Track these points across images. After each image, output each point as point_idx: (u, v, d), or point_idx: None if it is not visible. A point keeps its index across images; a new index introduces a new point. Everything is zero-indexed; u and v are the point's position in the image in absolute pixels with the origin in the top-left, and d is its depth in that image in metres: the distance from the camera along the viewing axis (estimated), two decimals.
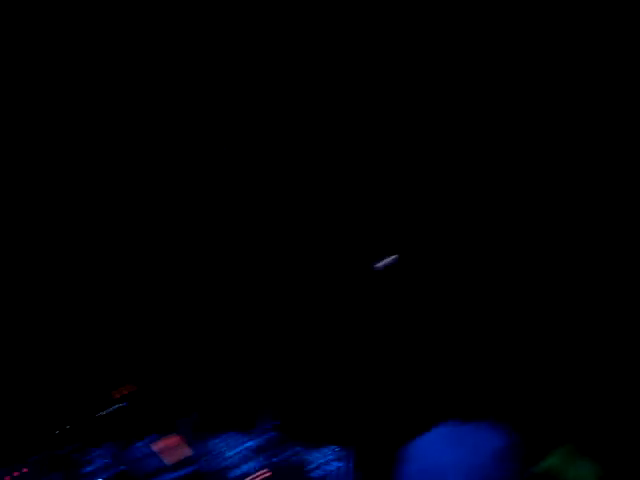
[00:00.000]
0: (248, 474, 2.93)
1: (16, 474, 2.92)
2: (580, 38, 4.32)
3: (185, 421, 3.53)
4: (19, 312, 4.39)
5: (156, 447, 3.22)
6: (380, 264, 4.07)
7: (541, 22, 4.39)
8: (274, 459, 3.16)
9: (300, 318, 4.21)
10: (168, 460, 3.00)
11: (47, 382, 4.15)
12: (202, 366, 4.31)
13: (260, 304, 4.44)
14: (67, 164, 5.03)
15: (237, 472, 2.96)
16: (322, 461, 3.22)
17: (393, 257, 3.82)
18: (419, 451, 1.99)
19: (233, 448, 3.22)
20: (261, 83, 4.96)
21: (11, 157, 5.11)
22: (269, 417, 3.62)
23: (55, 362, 4.68)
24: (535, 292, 4.15)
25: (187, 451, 3.06)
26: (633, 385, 2.82)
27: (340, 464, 3.15)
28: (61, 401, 4.03)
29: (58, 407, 3.98)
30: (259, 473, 2.98)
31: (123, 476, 2.89)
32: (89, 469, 3.04)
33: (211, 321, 4.64)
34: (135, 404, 3.95)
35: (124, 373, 4.22)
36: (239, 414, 3.67)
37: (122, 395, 3.99)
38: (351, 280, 4.29)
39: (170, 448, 3.17)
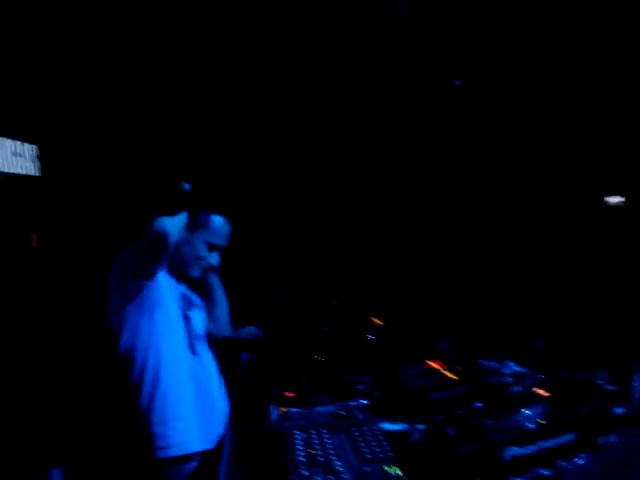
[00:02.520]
0: (526, 393, 2.73)
1: (290, 395, 2.93)
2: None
3: (446, 346, 3.44)
4: None
5: (421, 369, 3.14)
6: None
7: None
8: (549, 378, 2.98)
9: None
10: (436, 379, 2.87)
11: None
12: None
13: None
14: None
15: (514, 390, 2.76)
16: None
17: None
18: None
19: (505, 369, 3.08)
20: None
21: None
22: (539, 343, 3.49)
23: None
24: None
25: (456, 373, 2.92)
26: None
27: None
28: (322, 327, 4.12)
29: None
30: (539, 391, 2.77)
31: (395, 396, 2.80)
32: (359, 388, 2.99)
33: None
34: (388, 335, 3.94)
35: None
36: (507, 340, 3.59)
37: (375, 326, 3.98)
38: None
39: (438, 370, 3.07)
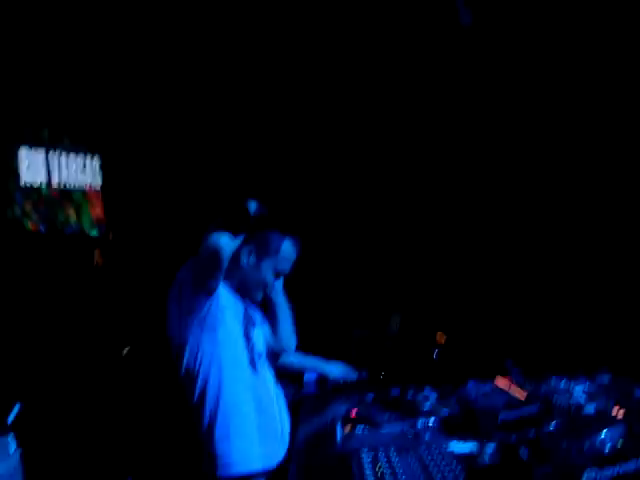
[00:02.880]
0: (600, 414, 2.62)
1: (353, 413, 2.89)
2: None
3: (512, 363, 3.35)
4: None
5: (489, 387, 3.06)
6: None
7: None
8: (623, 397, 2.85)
9: None
10: (506, 398, 2.79)
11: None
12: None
13: None
14: None
15: (587, 411, 2.66)
16: None
17: None
18: None
19: (573, 388, 2.97)
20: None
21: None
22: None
23: None
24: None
25: (523, 391, 2.84)
26: None
27: None
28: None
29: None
30: (614, 411, 2.65)
31: (463, 415, 2.73)
32: (425, 408, 2.93)
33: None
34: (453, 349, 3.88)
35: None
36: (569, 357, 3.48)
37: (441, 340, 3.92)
38: None
39: (504, 388, 2.98)
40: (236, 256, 2.53)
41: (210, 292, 2.38)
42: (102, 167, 5.75)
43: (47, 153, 4.76)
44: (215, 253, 2.24)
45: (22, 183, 4.40)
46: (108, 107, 5.74)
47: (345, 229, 5.40)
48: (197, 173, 5.70)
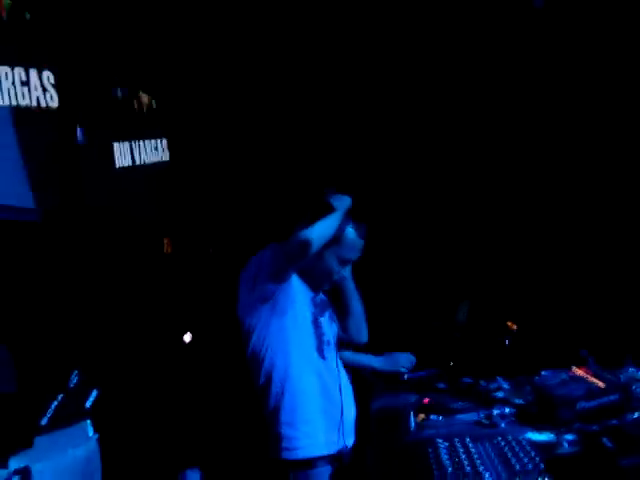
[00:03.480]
0: None
1: (426, 401, 2.86)
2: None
3: (587, 352, 3.26)
4: None
5: (566, 376, 2.98)
6: None
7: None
8: None
9: None
10: (584, 387, 2.71)
11: None
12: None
13: None
14: None
15: None
16: None
17: None
18: None
19: None
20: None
21: None
22: None
23: None
24: None
25: (600, 380, 2.76)
26: None
27: None
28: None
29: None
30: None
31: (539, 404, 2.67)
32: (499, 395, 2.88)
33: None
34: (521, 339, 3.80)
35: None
36: None
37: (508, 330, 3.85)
38: None
39: (584, 377, 2.90)
40: None
41: (285, 279, 2.40)
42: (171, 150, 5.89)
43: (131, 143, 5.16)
44: (306, 244, 2.26)
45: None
46: (182, 98, 5.86)
47: (414, 217, 5.36)
48: (264, 162, 5.74)
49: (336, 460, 2.52)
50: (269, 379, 2.45)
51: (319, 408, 2.46)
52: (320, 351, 2.54)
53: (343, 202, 2.48)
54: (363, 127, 5.52)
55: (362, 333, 2.84)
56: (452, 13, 4.68)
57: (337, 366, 2.64)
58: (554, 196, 4.84)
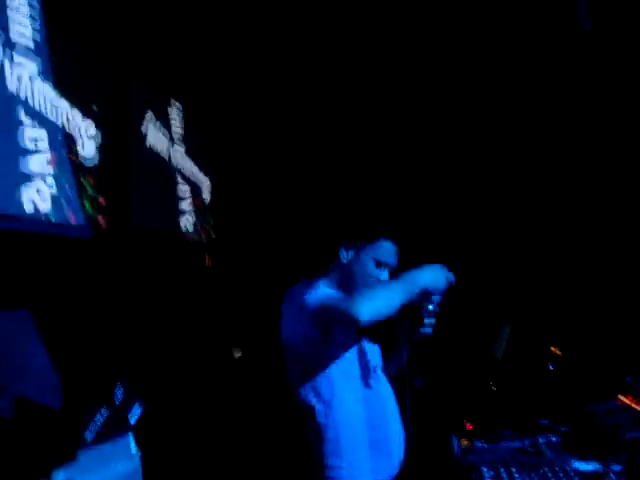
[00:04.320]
0: None
1: (471, 427, 2.83)
2: None
3: (633, 379, 3.20)
4: None
5: (613, 405, 2.93)
6: None
7: None
8: None
9: None
10: (632, 416, 2.66)
11: None
12: None
13: None
14: None
15: None
16: None
17: None
18: None
19: None
20: None
21: None
22: None
23: None
24: None
25: None
26: None
27: None
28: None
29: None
30: None
31: (586, 433, 2.62)
32: (543, 422, 2.83)
33: None
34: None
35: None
36: None
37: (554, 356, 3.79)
38: None
39: (630, 406, 2.84)
40: (336, 257, 2.53)
41: (329, 330, 2.36)
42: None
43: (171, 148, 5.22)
44: (355, 321, 2.13)
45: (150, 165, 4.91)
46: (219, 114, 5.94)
47: (454, 238, 5.33)
48: (300, 177, 5.79)
49: None
50: (313, 408, 2.40)
51: (365, 437, 2.41)
52: (365, 379, 2.49)
53: (423, 278, 2.32)
54: (399, 144, 5.55)
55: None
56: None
57: (385, 392, 2.57)
58: (599, 219, 4.78)
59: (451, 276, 2.37)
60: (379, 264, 2.52)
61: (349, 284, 2.52)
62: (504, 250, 5.27)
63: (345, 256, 2.50)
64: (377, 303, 2.16)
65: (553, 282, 4.96)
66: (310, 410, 2.38)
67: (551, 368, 3.57)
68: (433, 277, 2.32)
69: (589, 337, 4.14)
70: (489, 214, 5.42)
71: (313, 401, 2.38)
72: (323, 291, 2.35)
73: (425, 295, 2.31)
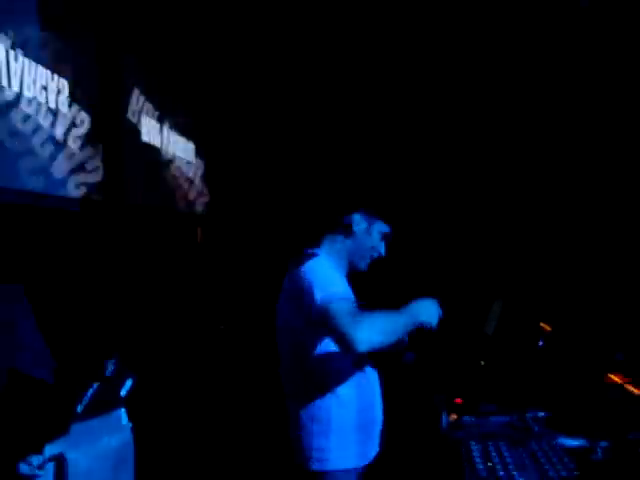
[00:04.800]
0: None
1: (459, 401, 2.84)
2: None
3: (624, 357, 3.22)
4: None
5: (603, 382, 2.95)
6: None
7: None
8: None
9: None
10: (622, 395, 2.68)
11: None
12: None
13: None
14: None
15: None
16: None
17: None
18: None
19: None
20: None
21: None
22: None
23: None
24: None
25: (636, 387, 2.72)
26: None
27: None
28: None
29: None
30: None
31: (574, 409, 2.65)
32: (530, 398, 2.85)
33: None
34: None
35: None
36: None
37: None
38: None
39: (619, 384, 2.87)
40: (347, 225, 2.50)
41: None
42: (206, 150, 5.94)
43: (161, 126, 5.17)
44: (349, 347, 2.08)
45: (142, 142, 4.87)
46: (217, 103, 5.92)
47: (444, 215, 5.34)
48: (298, 154, 5.77)
49: (363, 469, 2.48)
50: (305, 388, 2.38)
51: (354, 421, 2.39)
52: (360, 363, 2.48)
53: (420, 315, 2.30)
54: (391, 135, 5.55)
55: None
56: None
57: (373, 374, 2.56)
58: (588, 193, 4.78)
59: (441, 311, 2.37)
60: (383, 237, 2.53)
61: (354, 256, 2.50)
62: (497, 227, 5.27)
63: (358, 226, 2.49)
64: (377, 337, 2.14)
65: (545, 258, 4.97)
66: (303, 388, 2.37)
67: (540, 344, 3.58)
68: (429, 314, 2.32)
69: (579, 313, 4.15)
70: (482, 192, 5.42)
71: (306, 379, 2.37)
72: (332, 290, 2.23)
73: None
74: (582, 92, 4.73)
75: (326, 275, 2.29)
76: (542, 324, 3.87)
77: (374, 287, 5.48)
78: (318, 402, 2.32)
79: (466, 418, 2.70)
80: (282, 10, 4.75)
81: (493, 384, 3.25)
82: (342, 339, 2.10)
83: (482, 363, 3.76)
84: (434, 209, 5.37)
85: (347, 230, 2.48)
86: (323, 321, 2.16)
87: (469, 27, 4.70)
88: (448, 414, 2.75)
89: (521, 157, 5.16)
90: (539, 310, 4.09)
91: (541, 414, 2.67)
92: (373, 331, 2.11)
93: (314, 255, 2.40)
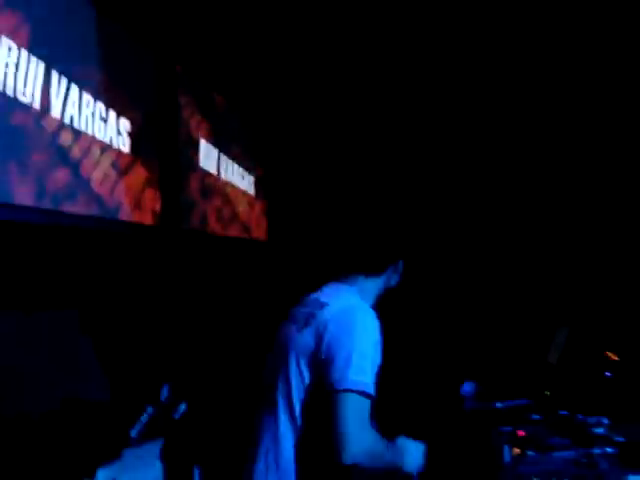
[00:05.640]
0: None
1: (521, 434, 2.74)
2: None
3: None
4: None
5: None
6: None
7: None
8: None
9: None
10: None
11: None
12: None
13: None
14: None
15: None
16: None
17: None
18: None
19: None
20: None
21: None
22: None
23: None
24: None
25: None
26: None
27: None
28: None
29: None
30: None
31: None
32: (598, 432, 2.72)
33: None
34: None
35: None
36: None
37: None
38: None
39: None
40: (389, 269, 2.42)
41: None
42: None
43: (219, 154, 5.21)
44: (336, 454, 1.91)
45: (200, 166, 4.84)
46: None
47: (511, 242, 5.26)
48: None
49: None
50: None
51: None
52: None
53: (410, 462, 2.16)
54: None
55: None
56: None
57: None
58: None
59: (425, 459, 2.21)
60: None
61: (379, 295, 2.42)
62: (562, 251, 5.14)
63: (396, 270, 2.42)
64: (365, 459, 1.98)
65: (611, 284, 4.82)
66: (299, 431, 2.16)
67: (608, 375, 3.43)
68: (417, 464, 2.18)
69: None
70: (546, 216, 5.31)
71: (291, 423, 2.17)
72: (367, 379, 2.03)
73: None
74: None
75: (372, 347, 2.10)
76: (609, 353, 3.71)
77: (438, 315, 5.43)
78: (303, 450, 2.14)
79: (530, 453, 2.59)
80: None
81: (558, 416, 3.12)
82: (336, 435, 1.94)
83: (547, 394, 3.63)
84: (497, 233, 5.28)
85: (385, 273, 2.40)
86: (332, 402, 1.99)
87: (469, 28, 4.66)
88: (511, 448, 2.64)
89: (584, 189, 5.07)
90: (605, 338, 3.94)
91: (609, 450, 2.53)
92: (366, 452, 1.97)
93: (352, 295, 2.28)
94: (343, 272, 2.37)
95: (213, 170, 5.07)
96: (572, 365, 3.78)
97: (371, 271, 2.35)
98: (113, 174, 3.70)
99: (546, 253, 5.25)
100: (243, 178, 5.67)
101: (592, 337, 4.01)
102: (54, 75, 3.16)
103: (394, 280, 2.41)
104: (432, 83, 5.35)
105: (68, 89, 3.30)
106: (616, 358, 3.68)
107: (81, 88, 3.41)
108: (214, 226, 5.00)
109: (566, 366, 3.83)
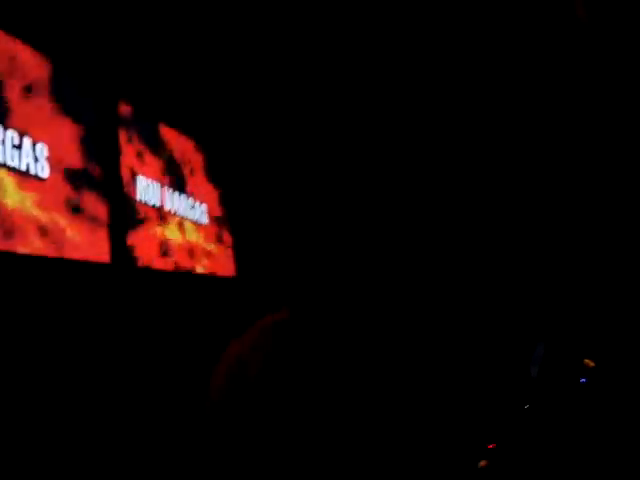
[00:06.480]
0: None
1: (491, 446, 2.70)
2: None
3: None
4: None
5: None
6: None
7: None
8: None
9: None
10: None
11: None
12: None
13: None
14: None
15: None
16: None
17: None
18: None
19: None
20: None
21: None
22: None
23: None
24: None
25: None
26: None
27: None
28: None
29: None
30: None
31: None
32: None
33: None
34: None
35: None
36: None
37: None
38: None
39: None
40: None
41: None
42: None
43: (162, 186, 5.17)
44: None
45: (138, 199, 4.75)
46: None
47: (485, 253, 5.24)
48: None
49: None
50: None
51: None
52: None
53: None
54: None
55: None
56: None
57: None
58: (633, 233, 4.64)
59: None
60: None
61: None
62: (537, 264, 5.13)
63: None
64: None
65: (588, 291, 4.81)
66: None
67: (583, 382, 3.39)
68: None
69: (625, 349, 3.97)
70: (519, 231, 5.30)
71: None
72: None
73: None
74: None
75: None
76: (587, 360, 3.67)
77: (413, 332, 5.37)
78: None
79: None
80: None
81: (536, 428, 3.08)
82: None
83: (526, 407, 3.59)
84: (475, 251, 5.27)
85: None
86: None
87: (469, 28, 4.70)
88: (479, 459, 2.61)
89: (566, 197, 5.08)
90: (583, 347, 3.91)
91: None
92: None
93: None
94: None
95: (158, 203, 5.01)
96: (550, 376, 3.74)
97: None
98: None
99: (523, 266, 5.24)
100: (193, 207, 5.60)
101: (569, 347, 3.98)
102: None
103: None
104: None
105: None
106: (593, 364, 3.64)
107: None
108: (160, 260, 4.94)
109: (546, 377, 3.79)
